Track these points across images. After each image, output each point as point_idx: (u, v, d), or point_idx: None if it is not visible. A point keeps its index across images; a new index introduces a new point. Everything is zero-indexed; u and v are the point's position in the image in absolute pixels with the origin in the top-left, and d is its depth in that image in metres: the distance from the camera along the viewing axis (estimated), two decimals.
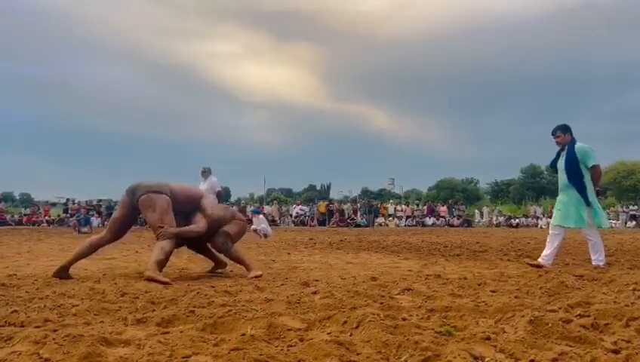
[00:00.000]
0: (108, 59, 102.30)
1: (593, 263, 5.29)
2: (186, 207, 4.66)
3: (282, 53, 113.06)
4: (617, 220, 26.75)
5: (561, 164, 5.45)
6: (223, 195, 10.08)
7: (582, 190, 5.25)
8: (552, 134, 5.49)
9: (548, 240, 5.42)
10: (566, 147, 5.38)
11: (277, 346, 2.04)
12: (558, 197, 5.55)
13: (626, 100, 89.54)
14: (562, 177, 5.42)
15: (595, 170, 5.28)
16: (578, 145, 5.32)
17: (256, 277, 4.43)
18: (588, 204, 5.23)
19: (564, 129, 5.42)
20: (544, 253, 5.36)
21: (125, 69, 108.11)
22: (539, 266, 5.10)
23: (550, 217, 27.89)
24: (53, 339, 2.01)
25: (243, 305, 2.91)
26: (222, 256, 5.03)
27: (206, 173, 9.52)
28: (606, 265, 5.24)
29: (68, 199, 26.21)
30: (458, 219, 26.87)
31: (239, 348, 1.95)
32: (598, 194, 5.42)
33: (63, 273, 4.27)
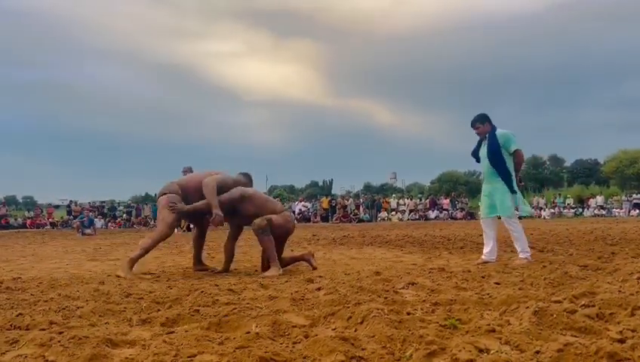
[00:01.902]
0: (108, 60, 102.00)
1: (520, 256, 4.96)
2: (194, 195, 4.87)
3: (283, 50, 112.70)
4: (621, 209, 26.70)
5: (483, 152, 5.20)
6: None
7: (507, 178, 5.03)
8: (472, 126, 5.23)
9: (484, 235, 5.23)
10: (487, 136, 5.15)
11: (282, 343, 2.04)
12: (482, 188, 5.35)
13: (627, 89, 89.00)
14: (485, 166, 5.18)
15: (517, 155, 5.06)
16: (499, 131, 5.09)
17: (269, 277, 4.36)
18: (513, 191, 5.02)
19: (483, 118, 5.17)
20: (485, 250, 5.17)
21: (126, 69, 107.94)
22: (486, 263, 4.95)
23: (553, 208, 27.53)
24: (59, 342, 2.02)
25: (247, 303, 2.91)
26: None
27: (188, 172, 9.15)
28: (531, 258, 4.94)
29: (71, 201, 26.26)
30: (461, 211, 26.85)
31: (244, 346, 1.95)
32: (520, 181, 5.21)
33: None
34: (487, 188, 5.21)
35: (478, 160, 5.35)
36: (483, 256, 5.16)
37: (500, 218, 5.19)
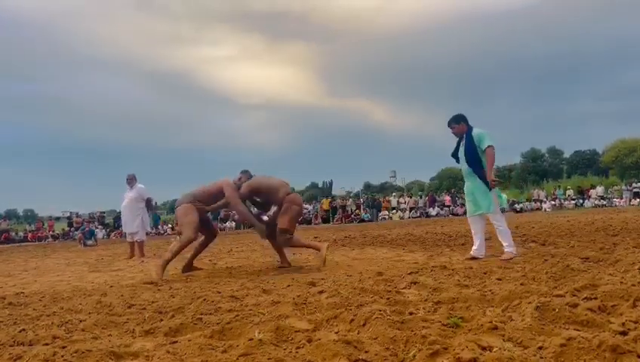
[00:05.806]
0: (104, 70, 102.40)
1: (505, 251, 4.96)
2: (211, 202, 5.55)
3: (277, 53, 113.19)
4: (621, 198, 26.69)
5: (461, 152, 5.29)
6: (152, 202, 9.57)
7: (484, 175, 5.08)
8: (448, 126, 5.33)
9: (472, 232, 5.35)
10: (464, 135, 5.23)
11: (285, 349, 2.04)
12: (464, 187, 5.45)
13: (624, 78, 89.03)
14: (464, 165, 5.28)
15: (487, 152, 5.06)
16: (475, 131, 5.17)
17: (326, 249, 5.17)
18: (490, 188, 5.08)
19: (458, 119, 5.26)
20: (474, 246, 5.26)
21: (122, 79, 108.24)
22: (474, 258, 5.06)
23: (554, 200, 27.47)
24: (62, 356, 2.02)
25: (250, 310, 2.91)
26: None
27: (132, 180, 9.04)
28: (517, 254, 4.94)
29: (71, 213, 26.27)
30: (462, 207, 26.82)
31: (248, 353, 1.95)
32: (494, 179, 5.15)
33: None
34: (469, 187, 5.33)
35: (457, 160, 5.46)
36: (472, 252, 5.26)
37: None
